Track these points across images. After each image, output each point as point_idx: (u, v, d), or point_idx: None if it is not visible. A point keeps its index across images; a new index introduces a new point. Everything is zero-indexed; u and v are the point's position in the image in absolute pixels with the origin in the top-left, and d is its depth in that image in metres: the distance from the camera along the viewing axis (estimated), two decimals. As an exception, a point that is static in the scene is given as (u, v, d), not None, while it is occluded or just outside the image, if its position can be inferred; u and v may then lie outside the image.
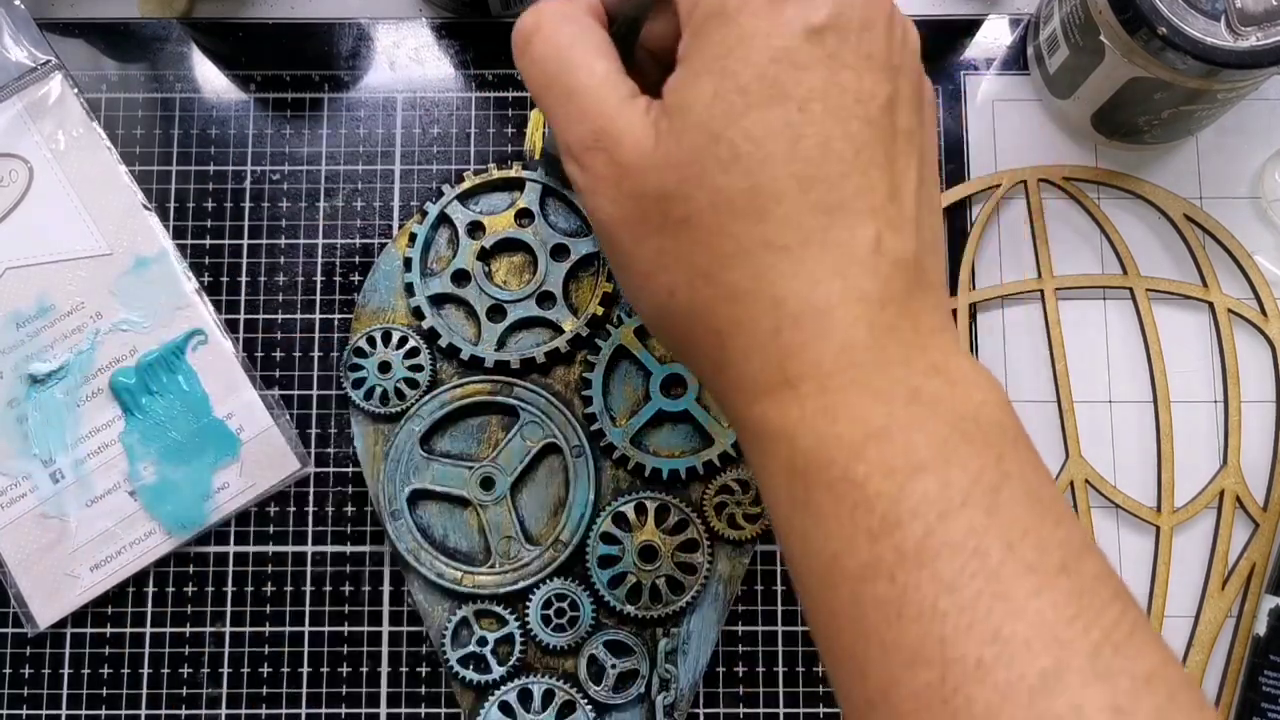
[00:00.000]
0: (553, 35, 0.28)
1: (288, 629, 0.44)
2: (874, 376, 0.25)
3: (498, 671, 0.42)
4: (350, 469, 0.45)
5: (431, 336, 0.44)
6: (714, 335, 0.27)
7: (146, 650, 0.44)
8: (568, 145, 0.27)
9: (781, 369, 0.25)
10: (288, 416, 0.45)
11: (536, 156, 0.47)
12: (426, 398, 0.44)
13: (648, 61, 0.30)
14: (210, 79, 0.48)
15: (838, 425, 0.25)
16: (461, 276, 0.45)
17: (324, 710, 0.44)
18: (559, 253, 0.45)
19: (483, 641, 0.42)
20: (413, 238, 0.44)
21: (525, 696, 0.42)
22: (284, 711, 0.44)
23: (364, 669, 0.44)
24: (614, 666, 0.42)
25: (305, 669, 0.44)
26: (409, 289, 0.44)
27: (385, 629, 0.44)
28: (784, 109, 0.25)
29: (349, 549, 0.45)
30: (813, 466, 0.25)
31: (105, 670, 0.44)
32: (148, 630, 0.44)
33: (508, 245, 0.45)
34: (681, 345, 0.28)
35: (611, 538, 0.43)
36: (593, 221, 0.28)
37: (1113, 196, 0.46)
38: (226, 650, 0.44)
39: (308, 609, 0.44)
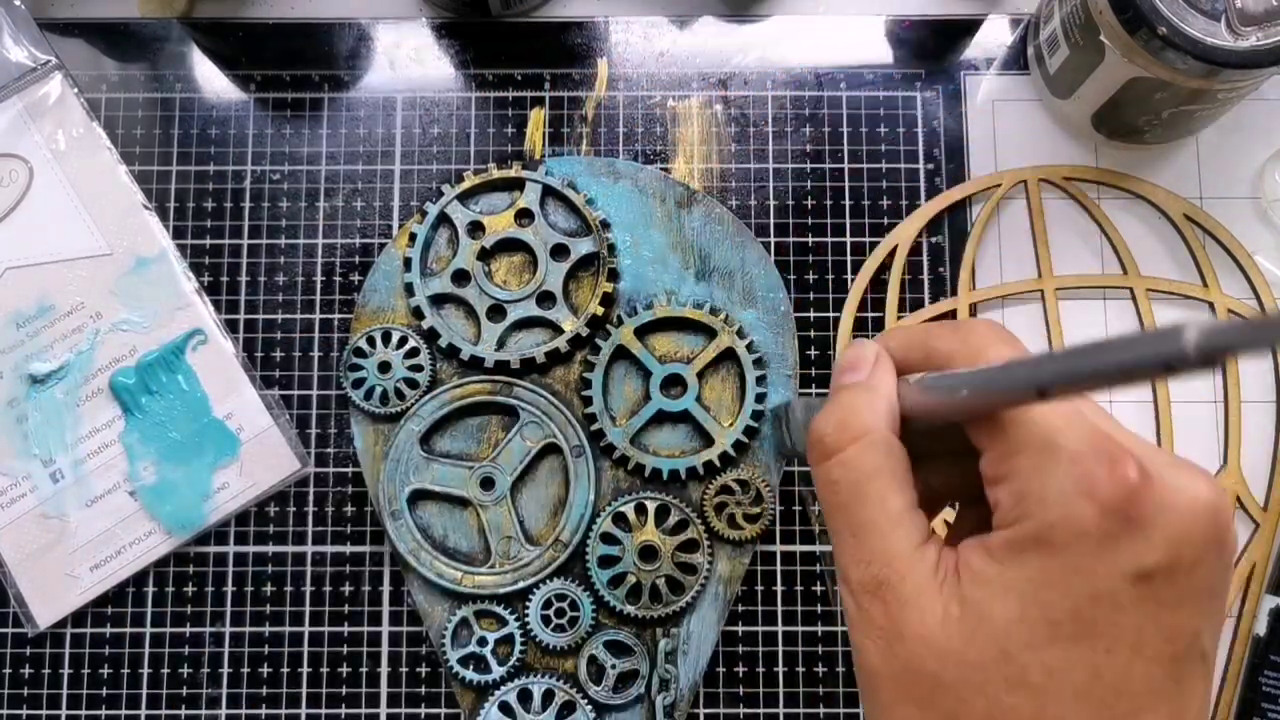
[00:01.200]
0: (855, 460, 0.27)
1: (288, 629, 0.44)
2: None
3: (498, 672, 0.42)
4: (350, 469, 0.45)
5: (431, 336, 0.44)
6: None
7: (146, 650, 0.44)
8: (846, 577, 0.27)
9: None
10: (288, 416, 0.45)
11: (536, 156, 0.47)
12: (426, 398, 0.43)
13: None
14: (210, 79, 0.48)
15: None
16: (461, 276, 0.45)
17: (324, 710, 0.44)
18: (559, 253, 0.45)
19: (483, 642, 0.42)
20: (413, 238, 0.44)
21: (525, 696, 0.42)
22: (284, 711, 0.44)
23: (364, 669, 0.44)
24: (614, 666, 0.42)
25: (305, 669, 0.44)
26: (409, 289, 0.44)
27: (385, 629, 0.44)
28: (1091, 649, 0.24)
29: (349, 549, 0.45)
30: None
31: (105, 670, 0.44)
32: (148, 630, 0.44)
33: (508, 245, 0.45)
34: None
35: (611, 538, 0.43)
36: (855, 658, 0.27)
37: (1113, 196, 0.46)
38: (226, 650, 0.44)
39: (308, 609, 0.44)
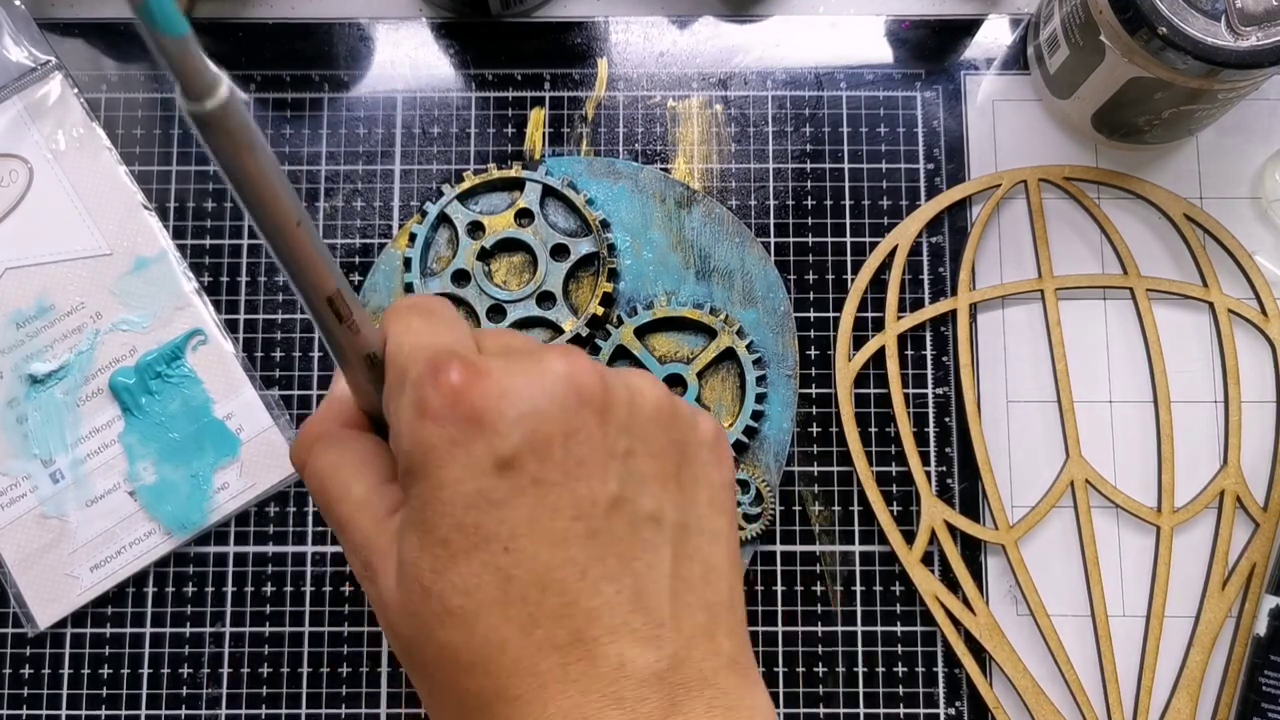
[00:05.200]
0: (314, 466, 0.27)
1: (288, 629, 0.44)
2: None
3: (498, 671, 0.42)
4: (350, 469, 0.45)
5: (431, 336, 0.44)
6: None
7: (146, 650, 0.44)
8: (354, 570, 0.27)
9: None
10: (288, 416, 0.45)
11: (536, 156, 0.47)
12: (426, 398, 0.43)
13: None
14: (210, 79, 0.47)
15: None
16: (461, 276, 0.45)
17: (324, 710, 0.44)
18: (559, 253, 0.45)
19: (483, 641, 0.42)
20: (413, 238, 0.44)
21: (525, 696, 0.42)
22: (284, 711, 0.44)
23: (364, 669, 0.44)
24: (614, 666, 0.42)
25: (305, 669, 0.44)
26: (409, 289, 0.44)
27: (385, 629, 0.44)
28: (488, 553, 0.23)
29: (349, 549, 0.45)
30: None
31: (105, 670, 0.44)
32: (148, 630, 0.44)
33: (508, 245, 0.45)
34: None
35: (611, 538, 0.43)
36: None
37: (1113, 196, 0.46)
38: (226, 650, 0.44)
39: (308, 609, 0.44)
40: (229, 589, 0.44)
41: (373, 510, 0.26)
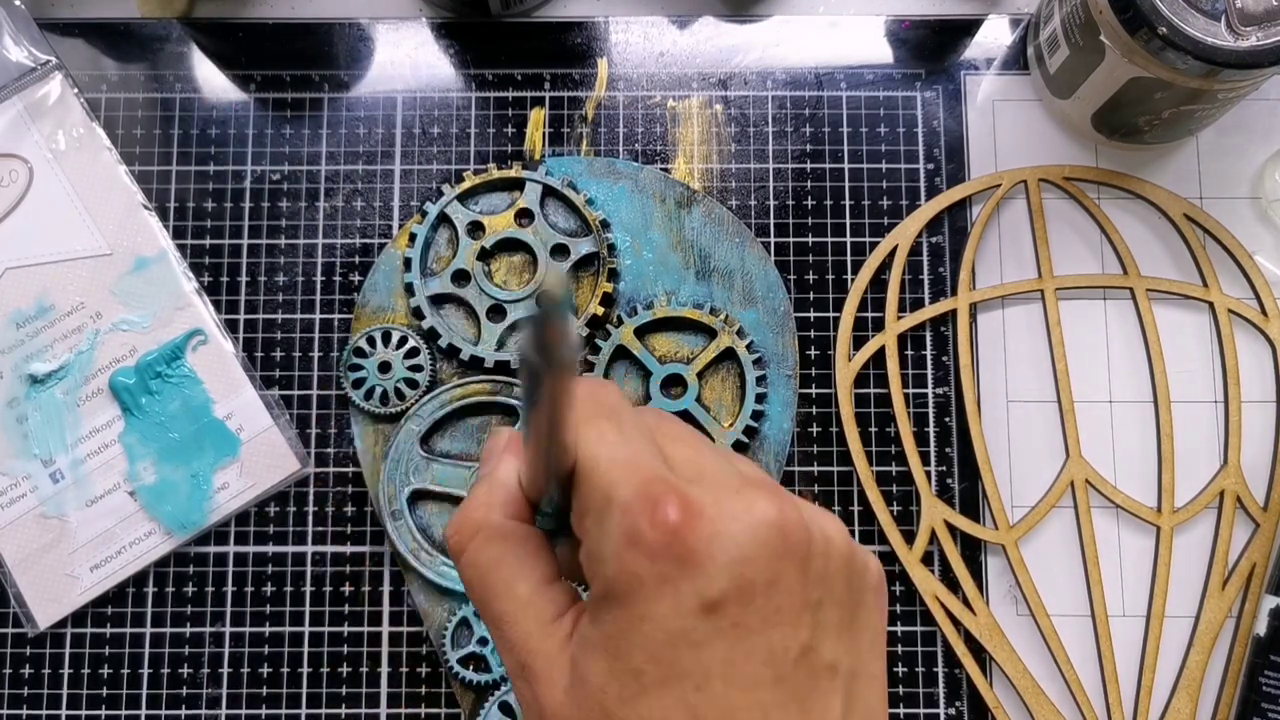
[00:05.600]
0: (475, 558, 0.27)
1: (288, 629, 0.44)
2: None
3: (498, 672, 0.42)
4: (350, 469, 0.45)
5: (431, 336, 0.44)
6: None
7: (146, 650, 0.44)
8: (507, 666, 0.27)
9: None
10: (288, 416, 0.45)
11: (536, 156, 0.47)
12: (426, 398, 0.43)
13: None
14: (210, 79, 0.48)
15: None
16: (461, 276, 0.45)
17: (324, 710, 0.44)
18: (559, 253, 0.45)
19: (483, 641, 0.42)
20: (413, 238, 0.44)
21: (525, 696, 0.42)
22: (284, 711, 0.44)
23: (364, 669, 0.44)
24: (614, 666, 0.42)
25: (305, 669, 0.44)
26: (409, 289, 0.44)
27: (385, 629, 0.44)
28: (680, 689, 0.24)
29: (349, 549, 0.45)
30: None
31: (105, 670, 0.44)
32: (148, 630, 0.44)
33: (508, 245, 0.45)
34: None
35: (611, 538, 0.43)
36: None
37: (1113, 196, 0.46)
38: (226, 650, 0.44)
39: (308, 609, 0.44)
40: (229, 589, 0.44)
41: (537, 612, 0.26)
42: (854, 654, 0.26)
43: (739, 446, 0.43)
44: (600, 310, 0.44)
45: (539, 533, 0.28)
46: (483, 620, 0.27)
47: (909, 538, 0.44)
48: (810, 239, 0.46)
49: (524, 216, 0.45)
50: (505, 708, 0.42)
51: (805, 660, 0.25)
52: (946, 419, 0.45)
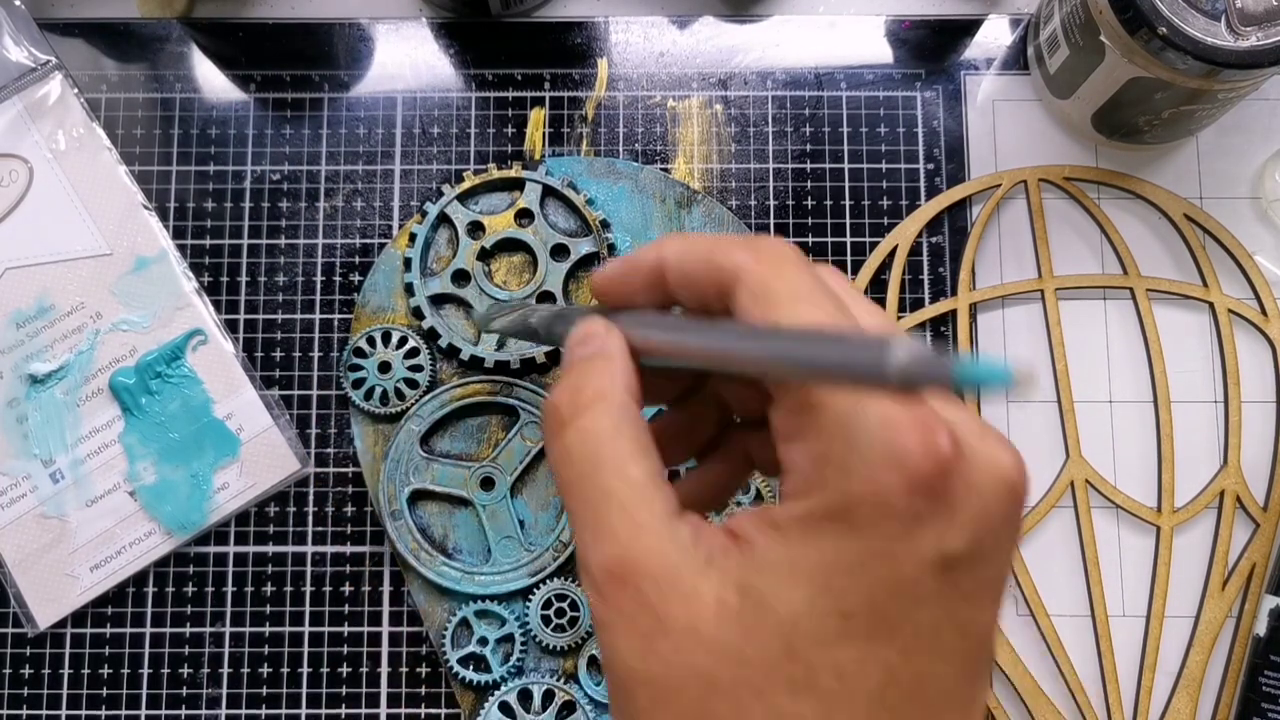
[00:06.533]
0: (592, 425, 0.23)
1: (288, 629, 0.44)
2: None
3: (498, 671, 0.42)
4: (350, 469, 0.45)
5: (431, 336, 0.44)
6: None
7: (146, 650, 0.44)
8: (587, 565, 0.23)
9: None
10: (288, 416, 0.45)
11: (536, 156, 0.47)
12: (426, 398, 0.43)
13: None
14: (210, 79, 0.48)
15: None
16: (461, 276, 0.45)
17: (324, 710, 0.44)
18: (559, 253, 0.45)
19: (483, 641, 0.42)
20: (413, 238, 0.44)
21: (525, 696, 0.42)
22: (284, 711, 0.44)
23: (364, 669, 0.44)
24: (614, 666, 0.42)
25: (305, 669, 0.44)
26: (409, 289, 0.44)
27: (385, 629, 0.44)
28: (885, 647, 0.21)
29: (349, 549, 0.45)
30: None
31: (105, 670, 0.44)
32: (148, 630, 0.44)
33: (508, 245, 0.45)
34: None
35: (611, 538, 0.43)
36: (605, 663, 0.23)
37: (1113, 196, 0.46)
38: (226, 650, 0.44)
39: (308, 609, 0.44)
40: (229, 589, 0.44)
41: (651, 502, 0.23)
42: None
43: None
44: (600, 310, 0.44)
45: (650, 428, 0.24)
46: (569, 512, 0.24)
47: (909, 538, 0.44)
48: (810, 239, 0.46)
49: (524, 216, 0.45)
50: (505, 708, 0.42)
51: (987, 642, 0.22)
52: (946, 419, 0.45)
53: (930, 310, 0.46)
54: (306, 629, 0.44)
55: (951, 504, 0.21)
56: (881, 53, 0.48)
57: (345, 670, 0.44)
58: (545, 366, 0.44)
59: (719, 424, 0.28)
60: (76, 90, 0.46)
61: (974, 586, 0.21)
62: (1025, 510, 0.44)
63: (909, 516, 0.20)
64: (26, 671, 0.44)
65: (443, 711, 0.44)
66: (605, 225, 0.45)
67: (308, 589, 0.45)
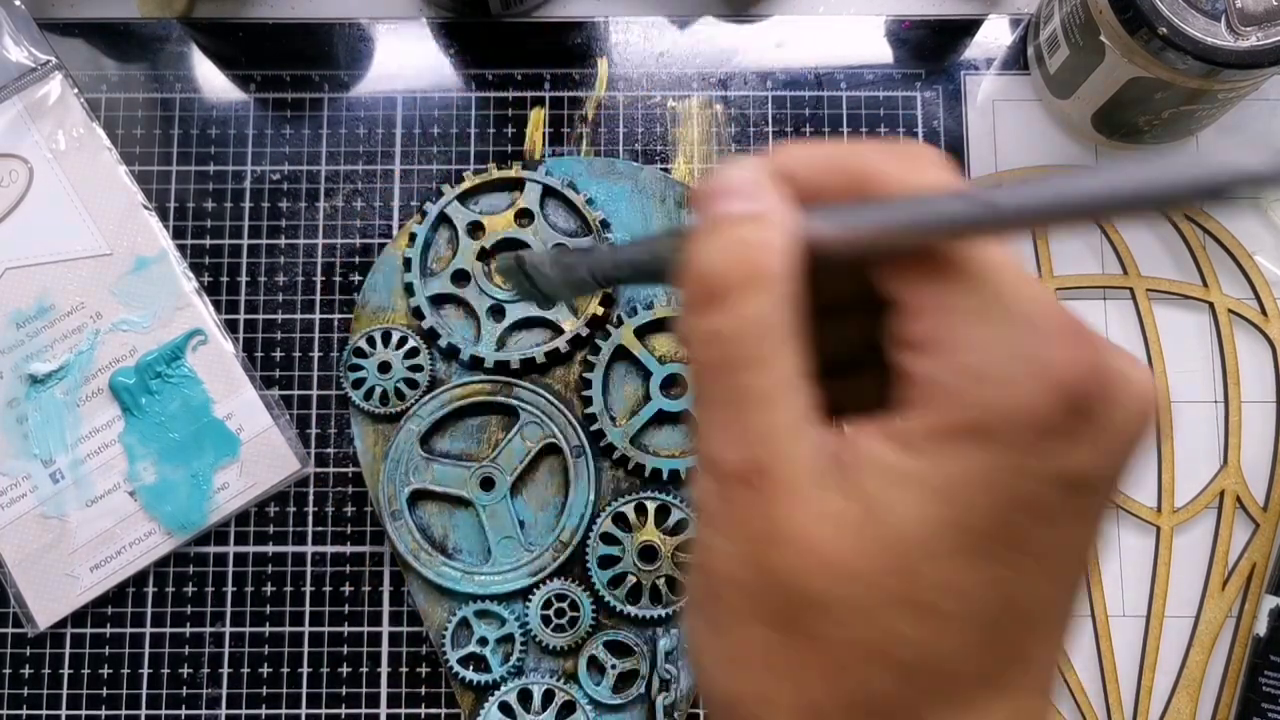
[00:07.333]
0: (751, 309, 0.20)
1: (288, 629, 0.44)
2: None
3: (498, 671, 0.42)
4: (350, 469, 0.45)
5: (431, 336, 0.44)
6: None
7: (146, 650, 0.44)
8: (713, 460, 0.21)
9: None
10: (288, 416, 0.45)
11: (536, 156, 0.47)
12: (426, 398, 0.43)
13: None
14: (210, 79, 0.48)
15: None
16: (461, 276, 0.45)
17: (324, 710, 0.44)
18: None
19: (483, 641, 0.42)
20: (412, 238, 0.44)
21: (525, 697, 0.42)
22: (284, 711, 0.44)
23: (364, 669, 0.44)
24: (614, 666, 0.42)
25: (305, 669, 0.44)
26: (409, 289, 0.44)
27: (385, 629, 0.44)
28: (1004, 566, 0.20)
29: (349, 549, 0.45)
30: None
31: (105, 670, 0.44)
32: (148, 630, 0.44)
33: (508, 245, 0.45)
34: None
35: (611, 538, 0.43)
36: (698, 560, 0.21)
37: (1113, 196, 0.46)
38: (226, 650, 0.44)
39: (308, 609, 0.44)
40: (229, 589, 0.45)
41: (792, 405, 0.20)
42: None
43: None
44: (600, 310, 0.44)
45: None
46: (698, 396, 0.21)
47: (909, 538, 0.44)
48: (810, 239, 0.46)
49: (524, 217, 0.45)
50: (505, 708, 0.42)
51: (1089, 560, 0.21)
52: (946, 419, 0.45)
53: (930, 310, 0.45)
54: (306, 629, 0.44)
55: (1092, 419, 0.19)
56: (881, 53, 0.48)
57: (345, 670, 0.44)
58: (545, 366, 0.44)
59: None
60: (76, 90, 0.46)
61: (1093, 507, 0.20)
62: (1025, 510, 0.44)
63: (1046, 429, 0.19)
64: (26, 671, 0.44)
65: (443, 711, 0.44)
66: (605, 225, 0.45)
67: (308, 589, 0.45)
